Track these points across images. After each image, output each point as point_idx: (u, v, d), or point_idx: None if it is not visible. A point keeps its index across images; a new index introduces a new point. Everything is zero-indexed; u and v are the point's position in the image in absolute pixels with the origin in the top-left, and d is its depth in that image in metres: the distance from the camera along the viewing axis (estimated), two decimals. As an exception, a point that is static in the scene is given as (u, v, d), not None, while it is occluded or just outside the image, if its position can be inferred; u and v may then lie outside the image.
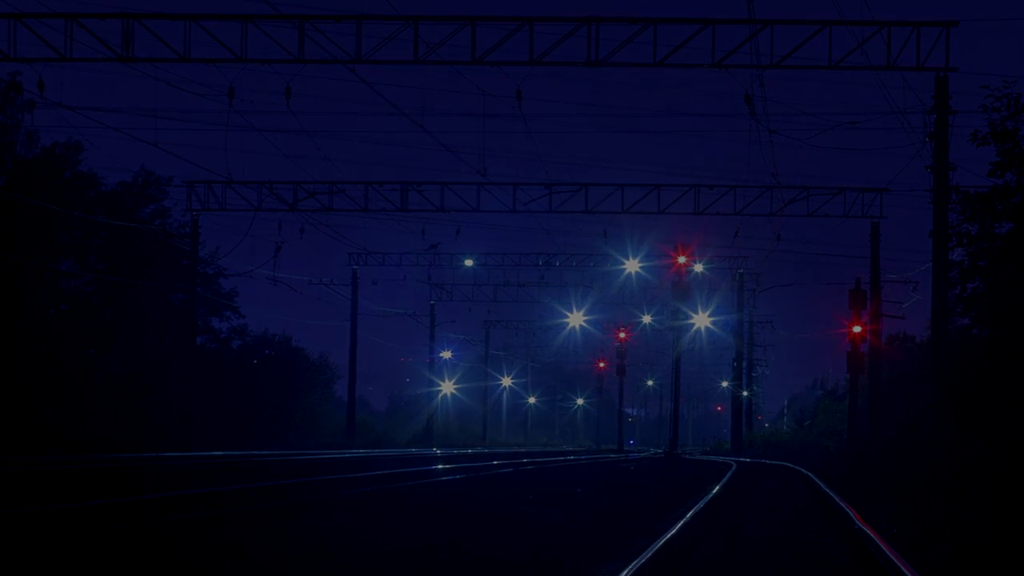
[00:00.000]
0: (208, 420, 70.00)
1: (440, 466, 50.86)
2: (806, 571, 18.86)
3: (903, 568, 16.27)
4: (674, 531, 21.38)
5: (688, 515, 25.24)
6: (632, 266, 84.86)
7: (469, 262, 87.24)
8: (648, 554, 17.71)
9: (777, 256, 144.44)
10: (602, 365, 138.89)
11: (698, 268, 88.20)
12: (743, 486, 45.17)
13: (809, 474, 47.77)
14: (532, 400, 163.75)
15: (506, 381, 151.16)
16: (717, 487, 37.78)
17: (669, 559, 18.92)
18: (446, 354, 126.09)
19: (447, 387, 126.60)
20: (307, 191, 66.22)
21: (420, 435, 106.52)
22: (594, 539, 22.64)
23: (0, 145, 62.91)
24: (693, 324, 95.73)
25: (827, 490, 34.39)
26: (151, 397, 68.44)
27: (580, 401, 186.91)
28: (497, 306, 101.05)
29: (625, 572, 16.12)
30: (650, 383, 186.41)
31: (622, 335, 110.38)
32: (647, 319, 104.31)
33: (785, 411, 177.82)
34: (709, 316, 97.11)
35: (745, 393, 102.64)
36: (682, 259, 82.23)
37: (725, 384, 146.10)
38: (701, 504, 28.85)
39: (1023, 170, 36.47)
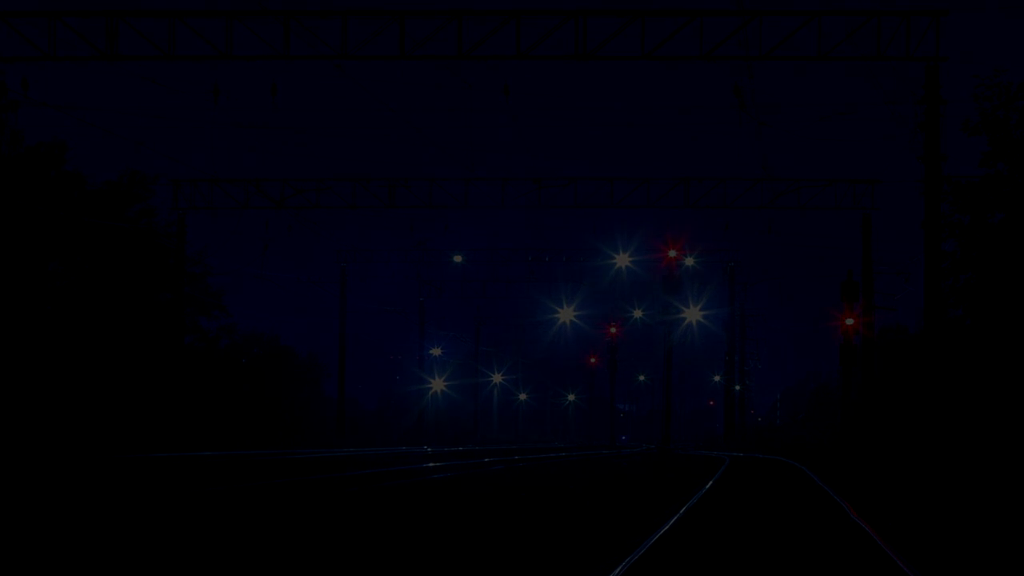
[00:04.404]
0: (196, 419, 69.69)
1: (431, 464, 50.57)
2: (803, 565, 18.62)
3: (897, 561, 16.15)
4: (667, 527, 21.09)
5: (682, 510, 24.96)
6: (622, 260, 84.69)
7: (458, 258, 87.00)
8: (641, 551, 17.45)
9: (768, 249, 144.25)
10: (593, 360, 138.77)
11: (689, 262, 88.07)
12: (737, 481, 44.91)
13: (803, 468, 47.58)
14: (523, 396, 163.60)
15: (497, 378, 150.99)
16: (711, 482, 37.53)
17: (664, 556, 18.66)
18: (436, 351, 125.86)
19: (437, 384, 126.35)
20: (294, 188, 65.99)
21: (411, 433, 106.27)
22: (587, 536, 22.37)
23: (-16, 145, 62.57)
24: (684, 318, 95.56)
25: (822, 484, 34.16)
26: (138, 397, 68.09)
27: (571, 397, 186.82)
28: (487, 302, 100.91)
29: (618, 569, 15.87)
30: (641, 378, 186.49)
31: (613, 330, 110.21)
32: (638, 314, 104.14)
33: (778, 404, 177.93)
34: (700, 310, 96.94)
35: (737, 387, 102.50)
36: (672, 253, 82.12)
37: (717, 378, 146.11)
38: (695, 500, 28.57)
39: (1015, 159, 36.24)
